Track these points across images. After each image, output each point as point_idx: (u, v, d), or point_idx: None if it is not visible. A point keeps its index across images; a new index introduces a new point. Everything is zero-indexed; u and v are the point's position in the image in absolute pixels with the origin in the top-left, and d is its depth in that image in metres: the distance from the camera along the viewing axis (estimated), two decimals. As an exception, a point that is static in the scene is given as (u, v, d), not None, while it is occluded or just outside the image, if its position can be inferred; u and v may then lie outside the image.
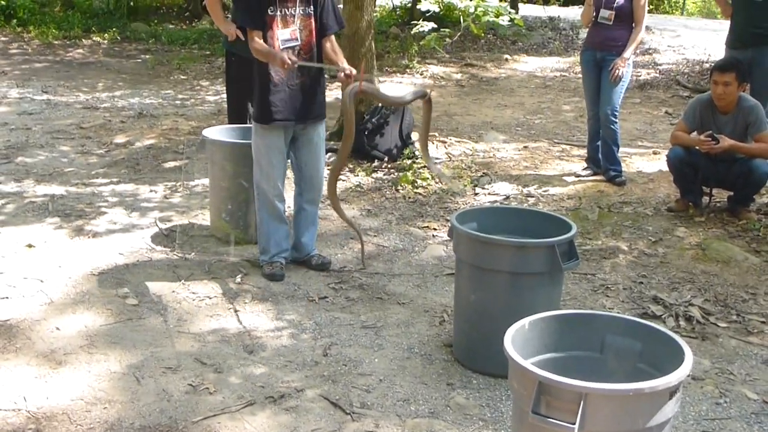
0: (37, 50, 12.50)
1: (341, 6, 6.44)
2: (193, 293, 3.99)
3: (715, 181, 5.14)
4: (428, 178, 5.93)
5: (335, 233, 4.94)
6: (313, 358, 3.38)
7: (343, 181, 5.92)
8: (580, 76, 6.74)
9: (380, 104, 6.54)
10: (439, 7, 13.57)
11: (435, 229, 5.05)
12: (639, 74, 9.98)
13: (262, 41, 3.90)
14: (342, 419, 2.93)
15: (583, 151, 6.39)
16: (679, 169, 5.14)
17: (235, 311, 3.82)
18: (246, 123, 5.23)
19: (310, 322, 3.72)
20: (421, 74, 10.33)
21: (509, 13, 7.18)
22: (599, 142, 5.91)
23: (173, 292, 3.99)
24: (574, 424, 1.95)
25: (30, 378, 3.14)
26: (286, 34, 3.95)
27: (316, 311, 3.85)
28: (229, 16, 5.47)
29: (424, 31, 6.49)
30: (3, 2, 14.14)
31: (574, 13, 14.42)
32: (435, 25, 6.68)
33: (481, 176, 6.06)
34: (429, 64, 10.89)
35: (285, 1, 3.93)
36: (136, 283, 4.08)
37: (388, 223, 5.14)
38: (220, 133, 4.89)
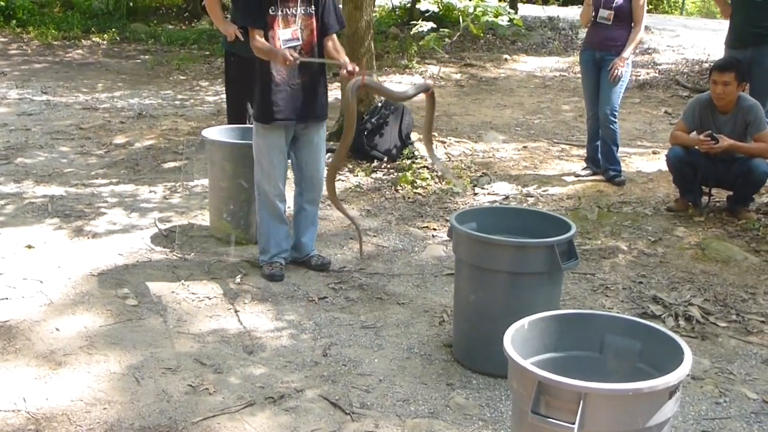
0: (36, 51, 12.50)
1: (340, 6, 6.44)
2: (193, 294, 3.99)
3: (714, 180, 5.14)
4: (428, 178, 5.93)
5: (335, 233, 4.94)
6: (312, 359, 3.38)
7: (343, 181, 5.92)
8: (579, 75, 6.75)
9: (380, 104, 6.55)
10: (439, 7, 13.58)
11: (434, 229, 5.05)
12: (638, 74, 9.98)
13: (263, 40, 3.90)
14: (342, 419, 2.93)
15: (583, 151, 6.39)
16: (678, 168, 5.14)
17: (235, 312, 3.82)
18: (245, 123, 5.23)
19: (309, 323, 3.72)
20: (421, 74, 10.33)
21: (508, 13, 7.18)
22: (598, 142, 5.91)
23: (173, 292, 3.99)
24: (573, 423, 1.95)
25: (30, 379, 3.14)
26: (288, 33, 3.95)
27: (316, 311, 3.85)
28: (229, 16, 5.47)
29: (423, 31, 6.49)
30: (2, 3, 14.14)
31: (573, 12, 14.42)
32: (434, 25, 6.67)
33: (481, 176, 6.06)
34: (428, 64, 10.89)
35: (286, 1, 3.93)
36: (135, 283, 4.08)
37: (387, 224, 5.14)
38: (219, 133, 4.89)
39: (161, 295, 3.96)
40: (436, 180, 5.94)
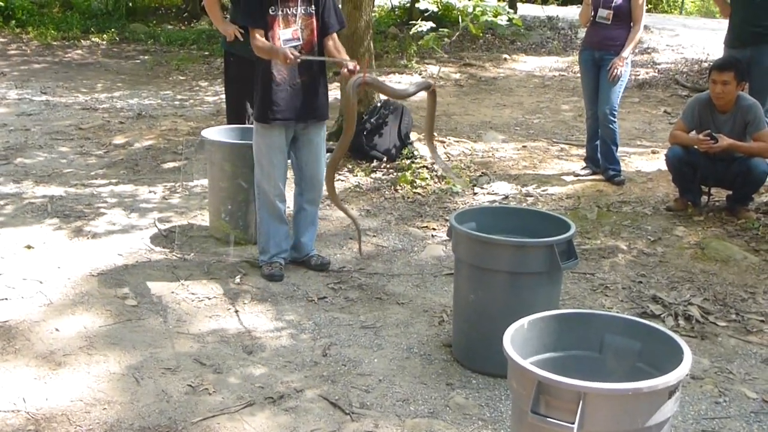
0: (35, 51, 12.50)
1: (339, 6, 6.43)
2: (193, 294, 3.99)
3: (713, 180, 5.14)
4: (427, 178, 5.93)
5: (334, 233, 4.94)
6: (312, 359, 3.38)
7: (342, 181, 5.92)
8: (578, 75, 6.74)
9: (379, 104, 6.55)
10: (438, 6, 13.55)
11: (434, 229, 5.05)
12: (638, 73, 9.98)
13: (264, 39, 3.90)
14: (341, 419, 2.93)
15: (582, 151, 6.39)
16: (677, 168, 5.14)
17: (235, 312, 3.82)
18: (245, 123, 5.23)
19: (309, 323, 3.72)
20: (420, 74, 10.32)
21: (508, 12, 7.17)
22: (598, 142, 5.91)
23: (172, 292, 3.99)
24: (573, 423, 1.95)
25: (29, 379, 3.14)
26: (288, 33, 3.95)
27: (316, 311, 3.85)
28: (228, 16, 5.47)
29: (422, 30, 6.48)
30: (1, 3, 14.13)
31: (572, 12, 14.42)
32: (433, 25, 6.66)
33: (480, 176, 6.06)
34: (428, 64, 10.89)
35: (286, 1, 3.93)
36: (135, 283, 4.08)
37: (387, 224, 5.14)
38: (219, 133, 4.89)
39: (161, 295, 3.96)
40: (436, 180, 5.94)
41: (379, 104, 6.56)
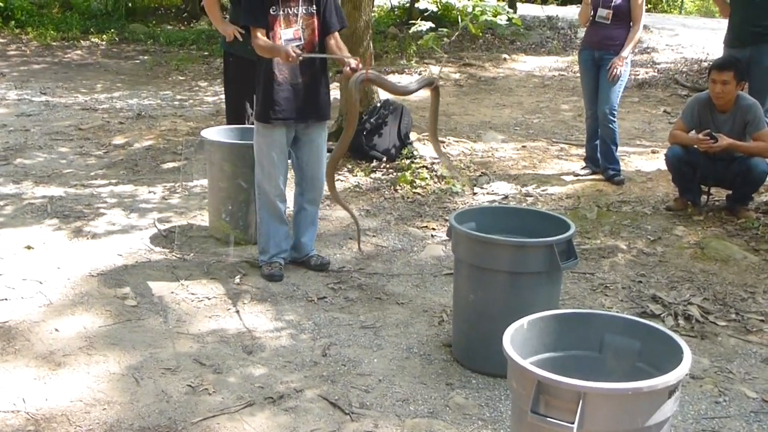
0: (35, 52, 12.50)
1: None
2: (192, 294, 3.99)
3: (713, 179, 5.14)
4: (426, 178, 5.93)
5: (334, 233, 4.94)
6: (312, 359, 3.38)
7: (342, 181, 5.92)
8: (578, 75, 6.74)
9: (378, 104, 6.55)
10: (437, 6, 13.56)
11: (434, 228, 5.05)
12: (637, 73, 9.98)
13: (265, 38, 3.90)
14: (341, 419, 2.93)
15: (582, 151, 6.39)
16: (677, 167, 5.14)
17: (235, 312, 3.82)
18: (244, 124, 5.23)
19: (309, 323, 3.72)
20: (419, 74, 10.32)
21: (507, 12, 7.16)
22: (598, 141, 5.91)
23: (172, 293, 3.99)
24: (573, 423, 1.95)
25: (29, 379, 3.14)
26: (289, 33, 3.95)
27: (315, 311, 3.85)
28: (227, 16, 5.47)
29: (422, 30, 6.48)
30: (1, 3, 14.14)
31: (572, 12, 14.43)
32: (433, 25, 6.66)
33: (480, 176, 6.06)
34: (427, 64, 10.89)
35: (288, 1, 3.93)
36: (135, 284, 4.08)
37: (386, 224, 5.14)
38: (218, 133, 4.89)
39: (161, 295, 3.96)
40: (435, 180, 5.94)
41: (378, 104, 6.56)
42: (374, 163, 6.28)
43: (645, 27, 8.18)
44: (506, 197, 5.62)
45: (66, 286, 4.03)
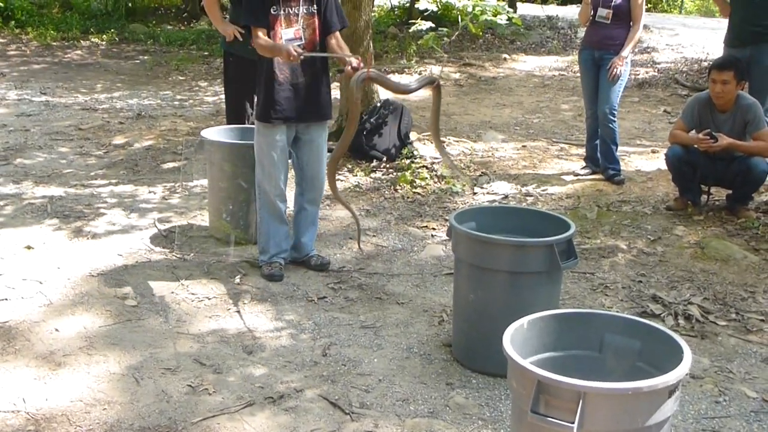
0: (35, 52, 12.50)
1: (340, 5, 6.43)
2: (192, 294, 3.99)
3: (713, 179, 5.14)
4: (426, 178, 5.93)
5: (334, 233, 4.94)
6: (312, 359, 3.38)
7: (342, 181, 5.92)
8: (578, 75, 6.75)
9: (378, 104, 6.54)
10: (437, 6, 13.57)
11: (434, 228, 5.05)
12: (637, 73, 9.98)
13: (266, 37, 3.89)
14: (341, 419, 2.93)
15: (582, 150, 6.39)
16: (677, 167, 5.14)
17: (235, 312, 3.82)
18: (244, 124, 5.23)
19: (309, 323, 3.72)
20: (419, 74, 10.32)
21: (507, 12, 7.18)
22: (598, 141, 5.91)
23: (172, 292, 3.99)
24: (573, 423, 1.95)
25: (29, 379, 3.14)
26: (290, 33, 3.95)
27: (315, 311, 3.85)
28: (227, 16, 5.47)
29: (422, 30, 6.49)
30: (1, 4, 14.14)
31: (572, 11, 14.42)
32: (433, 25, 6.68)
33: (480, 176, 6.06)
34: (428, 63, 10.89)
35: (288, 1, 3.93)
36: (135, 284, 4.08)
37: (386, 223, 5.14)
38: (218, 133, 4.89)
39: (161, 295, 3.96)
40: (435, 180, 5.94)
41: (378, 104, 6.56)
42: (374, 163, 6.28)
43: (645, 27, 8.18)
44: (506, 197, 5.62)
45: (66, 286, 4.03)
